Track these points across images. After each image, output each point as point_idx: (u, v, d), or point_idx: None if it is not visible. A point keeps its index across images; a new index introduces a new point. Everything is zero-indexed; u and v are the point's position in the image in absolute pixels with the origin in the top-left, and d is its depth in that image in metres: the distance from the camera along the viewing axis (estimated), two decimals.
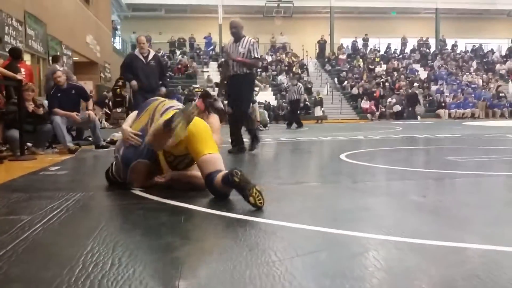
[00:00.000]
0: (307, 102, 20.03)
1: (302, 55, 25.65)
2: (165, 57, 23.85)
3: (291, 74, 23.40)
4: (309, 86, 22.52)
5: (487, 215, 2.61)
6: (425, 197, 3.13)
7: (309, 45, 26.13)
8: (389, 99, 21.51)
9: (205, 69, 24.44)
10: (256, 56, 6.11)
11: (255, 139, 6.40)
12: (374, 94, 21.72)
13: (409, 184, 3.66)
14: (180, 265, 1.78)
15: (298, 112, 14.91)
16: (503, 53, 26.87)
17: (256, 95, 13.45)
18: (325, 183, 3.80)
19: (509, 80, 23.78)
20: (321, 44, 26.76)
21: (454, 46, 27.27)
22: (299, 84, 15.11)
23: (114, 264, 1.76)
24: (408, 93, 21.44)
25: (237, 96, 6.16)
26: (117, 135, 7.61)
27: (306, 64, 25.05)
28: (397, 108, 20.83)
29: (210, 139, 3.06)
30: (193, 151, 3.02)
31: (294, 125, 13.99)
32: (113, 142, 7.33)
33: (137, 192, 3.27)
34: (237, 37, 6.15)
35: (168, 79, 13.86)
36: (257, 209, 2.63)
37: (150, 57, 7.19)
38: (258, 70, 22.50)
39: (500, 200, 3.11)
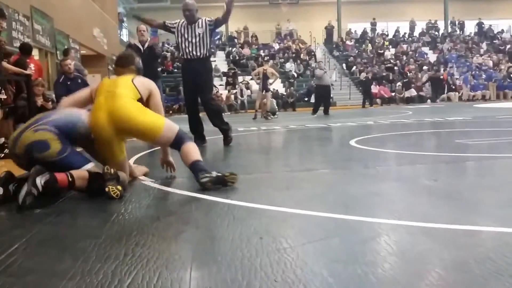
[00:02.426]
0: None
1: (309, 41, 25.46)
2: (172, 47, 23.78)
3: (298, 61, 23.26)
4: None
5: (500, 198, 2.59)
6: (436, 181, 3.11)
7: (317, 31, 25.90)
8: (398, 83, 21.32)
9: (212, 59, 24.35)
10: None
11: (226, 132, 5.78)
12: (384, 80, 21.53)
13: (420, 169, 3.64)
14: (192, 254, 1.79)
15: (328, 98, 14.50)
16: None
17: (271, 84, 13.36)
18: (335, 169, 3.79)
19: None
20: (329, 30, 26.52)
21: (463, 27, 26.86)
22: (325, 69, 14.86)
23: (127, 254, 1.78)
24: (433, 75, 21.17)
25: (198, 83, 5.68)
26: None
27: (314, 50, 24.86)
28: (412, 92, 20.64)
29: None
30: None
31: (320, 112, 13.71)
32: None
33: (146, 182, 3.29)
34: (192, 20, 5.72)
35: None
36: (261, 197, 2.62)
37: (146, 45, 7.10)
38: (266, 57, 22.38)
39: (511, 182, 3.08)
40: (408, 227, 2.05)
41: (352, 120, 9.81)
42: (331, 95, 15.45)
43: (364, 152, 4.69)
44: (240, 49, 24.28)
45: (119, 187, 2.80)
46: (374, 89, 21.20)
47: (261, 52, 24.01)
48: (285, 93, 20.57)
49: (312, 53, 24.51)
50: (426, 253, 1.73)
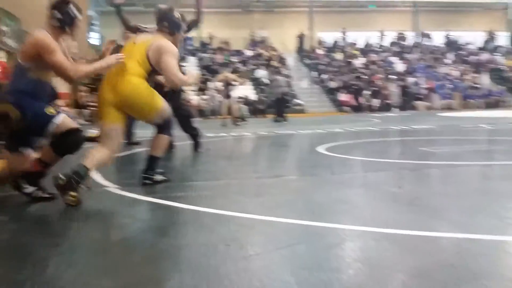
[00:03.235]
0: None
1: (281, 49, 25.67)
2: None
3: (270, 68, 23.40)
4: (288, 79, 22.57)
5: (461, 205, 2.66)
6: (400, 188, 3.17)
7: (289, 39, 26.13)
8: (364, 92, 21.73)
9: (183, 64, 24.20)
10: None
11: (195, 138, 5.62)
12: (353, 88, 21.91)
13: (385, 176, 3.71)
14: (156, 262, 1.77)
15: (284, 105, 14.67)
16: (479, 45, 27.34)
17: (233, 90, 13.40)
18: (303, 176, 3.82)
19: (484, 72, 24.23)
20: (301, 38, 26.82)
21: (430, 38, 27.62)
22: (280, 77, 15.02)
23: (88, 262, 1.74)
24: (402, 85, 21.68)
25: (168, 89, 5.63)
26: (93, 132, 7.52)
27: (286, 58, 25.07)
28: (380, 101, 21.05)
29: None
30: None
31: (278, 118, 13.87)
32: (90, 139, 7.22)
33: (110, 188, 3.23)
34: None
35: None
36: (229, 204, 2.62)
37: None
38: (238, 64, 22.43)
39: (473, 189, 3.17)
40: (373, 233, 2.08)
41: (321, 128, 9.92)
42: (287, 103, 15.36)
43: (331, 159, 4.74)
44: (212, 55, 24.26)
45: (74, 195, 2.68)
46: (344, 97, 21.52)
47: (234, 59, 24.05)
48: (255, 100, 20.62)
49: (284, 61, 24.70)
50: (389, 259, 1.76)
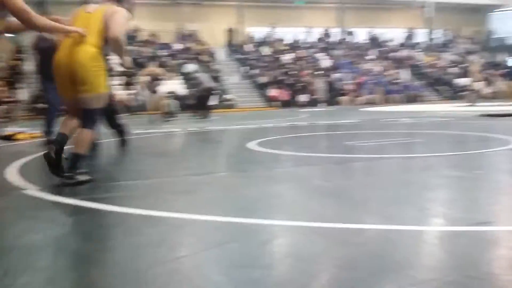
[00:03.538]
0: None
1: (211, 43, 25.50)
2: None
3: (200, 62, 23.19)
4: (218, 74, 22.50)
5: (385, 196, 2.78)
6: (328, 181, 3.26)
7: (218, 33, 26.03)
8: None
9: (108, 58, 23.30)
10: None
11: (122, 134, 5.41)
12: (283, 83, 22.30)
13: (314, 170, 3.79)
14: (80, 267, 1.68)
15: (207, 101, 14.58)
16: (400, 42, 28.86)
17: (161, 84, 13.14)
18: (234, 172, 3.81)
19: (404, 68, 25.62)
20: (230, 33, 26.82)
21: (353, 35, 28.74)
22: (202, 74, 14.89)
23: (7, 272, 1.61)
24: (327, 80, 22.30)
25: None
26: (10, 130, 7.05)
27: (215, 52, 24.96)
28: (308, 95, 21.55)
29: None
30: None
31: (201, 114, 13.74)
32: (6, 137, 6.75)
33: (31, 191, 3.02)
34: None
35: None
36: (159, 204, 2.55)
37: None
38: (167, 57, 22.00)
39: (395, 181, 3.33)
40: (303, 228, 2.12)
41: (252, 123, 9.99)
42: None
43: (262, 155, 4.78)
44: (139, 48, 23.58)
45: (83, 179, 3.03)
46: (273, 92, 21.83)
47: (162, 52, 23.54)
48: (185, 95, 20.34)
49: (213, 55, 24.58)
50: (319, 253, 1.80)
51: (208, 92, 13.94)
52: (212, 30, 26.01)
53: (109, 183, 3.35)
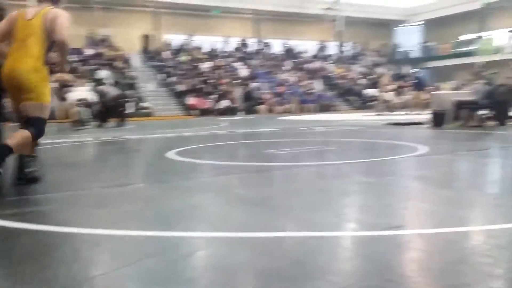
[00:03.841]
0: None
1: (126, 49, 24.74)
2: None
3: (114, 69, 22.40)
4: (133, 81, 21.88)
5: (303, 204, 2.84)
6: (248, 190, 3.27)
7: (133, 39, 25.35)
8: (212, 96, 22.22)
9: None
10: None
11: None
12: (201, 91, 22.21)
13: (234, 179, 3.79)
14: None
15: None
16: (313, 54, 30.04)
17: (70, 91, 12.48)
18: (152, 183, 3.69)
19: (317, 78, 26.69)
20: (146, 39, 26.24)
21: (269, 46, 29.47)
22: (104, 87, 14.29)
23: None
24: (246, 90, 22.53)
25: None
26: None
27: (130, 58, 24.25)
28: (226, 104, 21.64)
29: None
30: None
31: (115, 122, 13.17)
32: None
33: None
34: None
35: None
36: (73, 219, 2.40)
37: None
38: (76, 63, 20.96)
39: (312, 188, 3.43)
40: (225, 239, 2.09)
41: (170, 132, 9.80)
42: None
43: (181, 164, 4.69)
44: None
45: None
46: (192, 100, 21.66)
47: (72, 57, 22.40)
48: (97, 102, 19.48)
49: (128, 62, 23.86)
50: (242, 263, 1.78)
51: (116, 101, 13.34)
52: (127, 35, 25.29)
53: (17, 198, 3.09)
